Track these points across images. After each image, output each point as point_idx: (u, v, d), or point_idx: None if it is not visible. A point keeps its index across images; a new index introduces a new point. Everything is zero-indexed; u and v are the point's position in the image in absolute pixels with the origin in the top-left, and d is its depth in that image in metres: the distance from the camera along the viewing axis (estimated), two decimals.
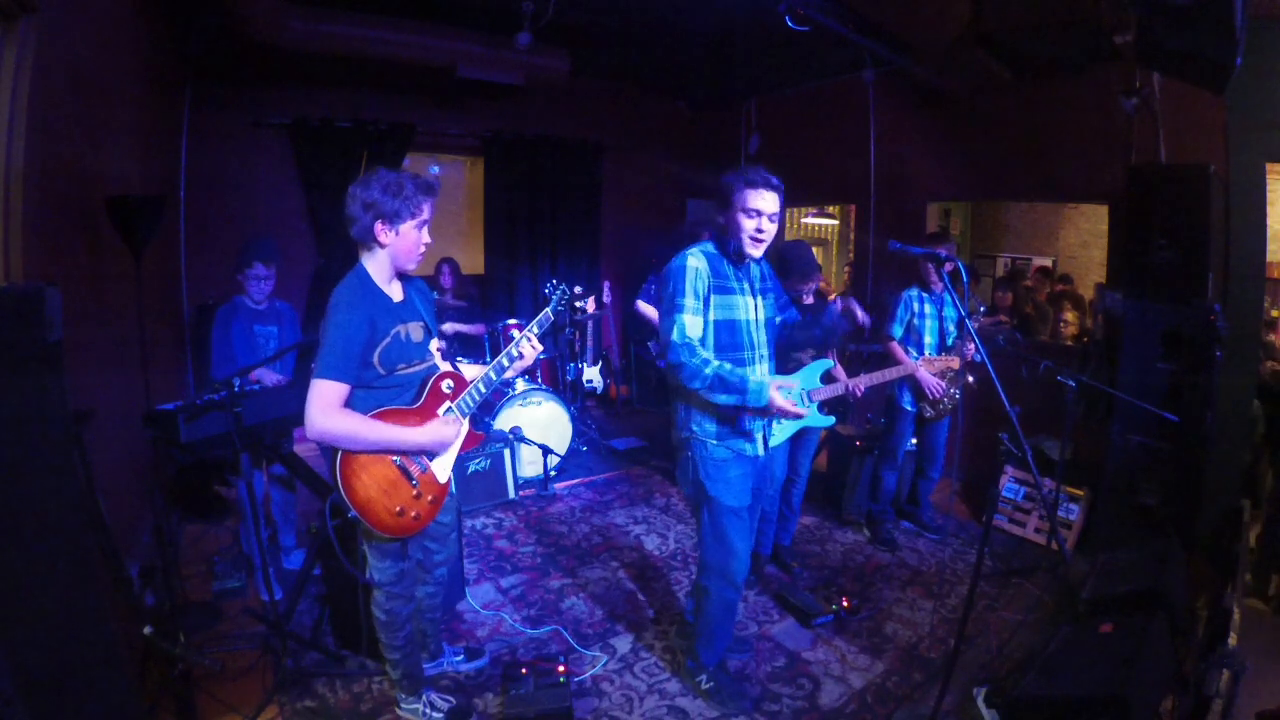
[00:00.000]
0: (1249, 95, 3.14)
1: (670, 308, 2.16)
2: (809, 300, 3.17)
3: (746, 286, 2.27)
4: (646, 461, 4.90)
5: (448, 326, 4.65)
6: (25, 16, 2.02)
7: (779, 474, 3.15)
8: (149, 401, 2.87)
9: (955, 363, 3.32)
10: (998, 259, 7.19)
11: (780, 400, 2.09)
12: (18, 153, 2.02)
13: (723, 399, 2.12)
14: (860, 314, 2.75)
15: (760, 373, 2.28)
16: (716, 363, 2.12)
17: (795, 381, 2.33)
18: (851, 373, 3.26)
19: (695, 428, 2.26)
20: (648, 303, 4.18)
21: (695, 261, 2.18)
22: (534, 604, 3.04)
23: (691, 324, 2.13)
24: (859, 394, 3.17)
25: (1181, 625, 2.40)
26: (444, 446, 2.04)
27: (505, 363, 2.11)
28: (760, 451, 2.33)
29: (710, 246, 2.26)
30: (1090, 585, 2.67)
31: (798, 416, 2.16)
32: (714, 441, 2.25)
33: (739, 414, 2.23)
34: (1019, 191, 4.91)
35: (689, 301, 2.14)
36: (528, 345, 2.12)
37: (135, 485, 3.16)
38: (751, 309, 2.28)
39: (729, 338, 2.23)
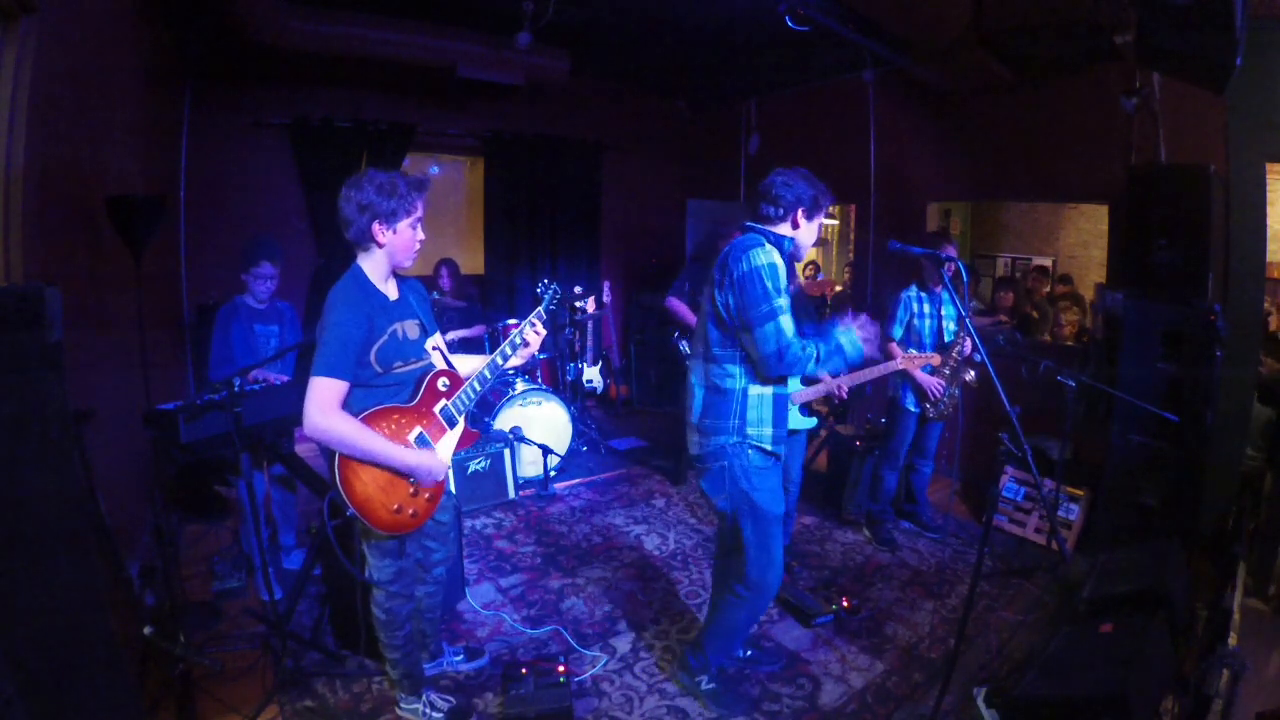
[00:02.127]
0: (1249, 95, 3.13)
1: (764, 314, 2.03)
2: None
3: (787, 289, 2.23)
4: (646, 461, 4.90)
5: (450, 336, 4.64)
6: (25, 16, 2.02)
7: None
8: (149, 401, 2.88)
9: (936, 359, 3.34)
10: (998, 259, 7.18)
11: (865, 340, 2.21)
12: (18, 153, 2.02)
13: (835, 363, 2.18)
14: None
15: (793, 381, 2.36)
16: (810, 348, 2.13)
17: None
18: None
19: (752, 431, 2.15)
20: (680, 300, 4.13)
21: (777, 258, 2.10)
22: (534, 604, 3.04)
23: (788, 324, 2.06)
24: (843, 394, 3.17)
25: (1181, 625, 2.40)
26: (429, 477, 2.00)
27: (508, 350, 2.13)
28: (783, 451, 2.31)
29: (768, 244, 2.17)
30: (1090, 585, 2.67)
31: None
32: (768, 446, 2.18)
33: (784, 413, 2.24)
34: (1019, 191, 4.91)
35: (782, 301, 2.06)
36: (531, 331, 2.14)
37: (135, 485, 3.16)
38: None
39: None
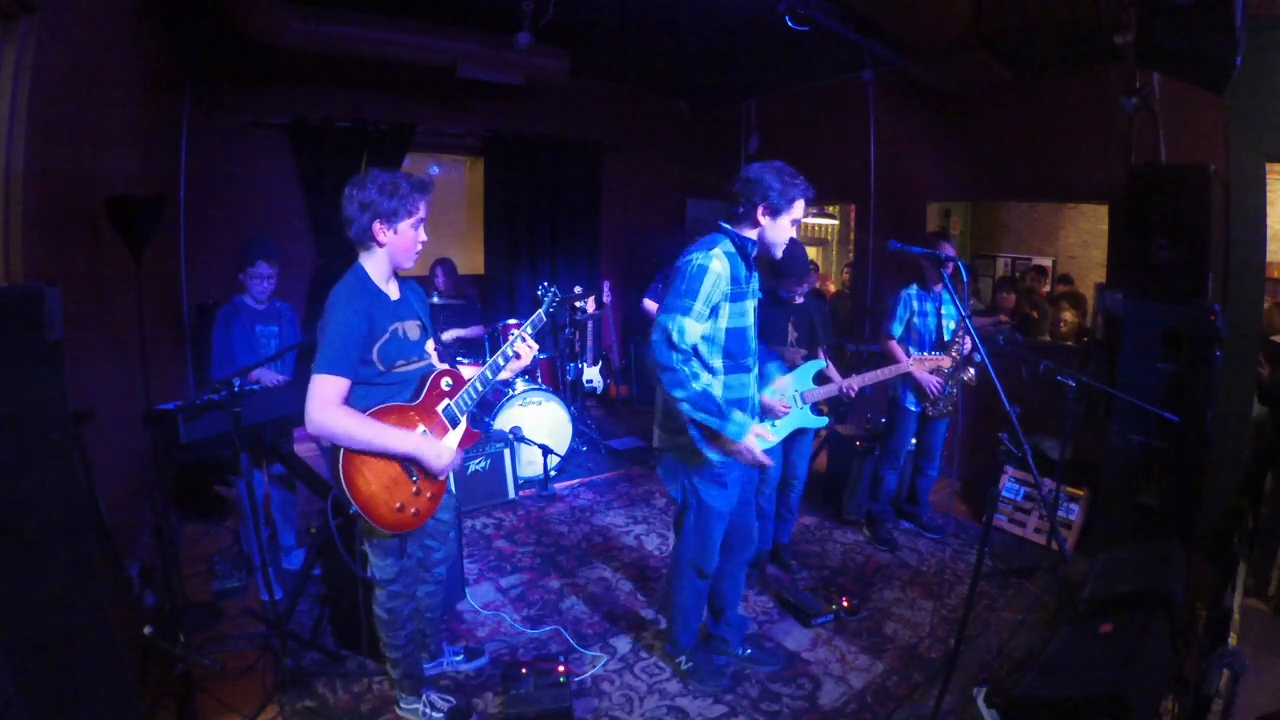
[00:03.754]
0: (1249, 95, 3.13)
1: (674, 306, 2.05)
2: (800, 300, 3.18)
3: (751, 290, 2.23)
4: (646, 461, 4.89)
5: (447, 335, 4.64)
6: (25, 16, 2.02)
7: (773, 474, 3.15)
8: (149, 401, 2.87)
9: (946, 361, 3.34)
10: (998, 259, 7.19)
11: (750, 448, 2.12)
12: (18, 153, 2.02)
13: (699, 417, 2.07)
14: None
15: (752, 381, 2.29)
16: (708, 378, 2.10)
17: (771, 435, 2.31)
18: (852, 372, 3.26)
19: (698, 432, 2.19)
20: (654, 300, 4.16)
21: (719, 266, 2.07)
22: (534, 604, 3.04)
23: (692, 330, 2.05)
24: (852, 394, 3.18)
25: (1181, 625, 2.40)
26: (436, 460, 1.98)
27: (500, 362, 2.14)
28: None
29: (729, 246, 2.14)
30: (1090, 585, 2.68)
31: (758, 465, 2.18)
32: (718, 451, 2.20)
33: (743, 411, 2.22)
34: (1019, 191, 4.91)
35: (698, 307, 2.05)
36: (523, 346, 2.15)
37: (135, 485, 3.16)
38: (752, 314, 2.25)
39: (738, 346, 2.19)
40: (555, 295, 2.35)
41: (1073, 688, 2.02)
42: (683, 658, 2.53)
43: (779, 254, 2.23)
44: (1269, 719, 1.94)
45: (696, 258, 2.09)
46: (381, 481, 1.93)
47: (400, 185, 1.89)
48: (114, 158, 3.09)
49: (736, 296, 2.14)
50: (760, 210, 2.12)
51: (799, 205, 2.16)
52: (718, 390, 2.18)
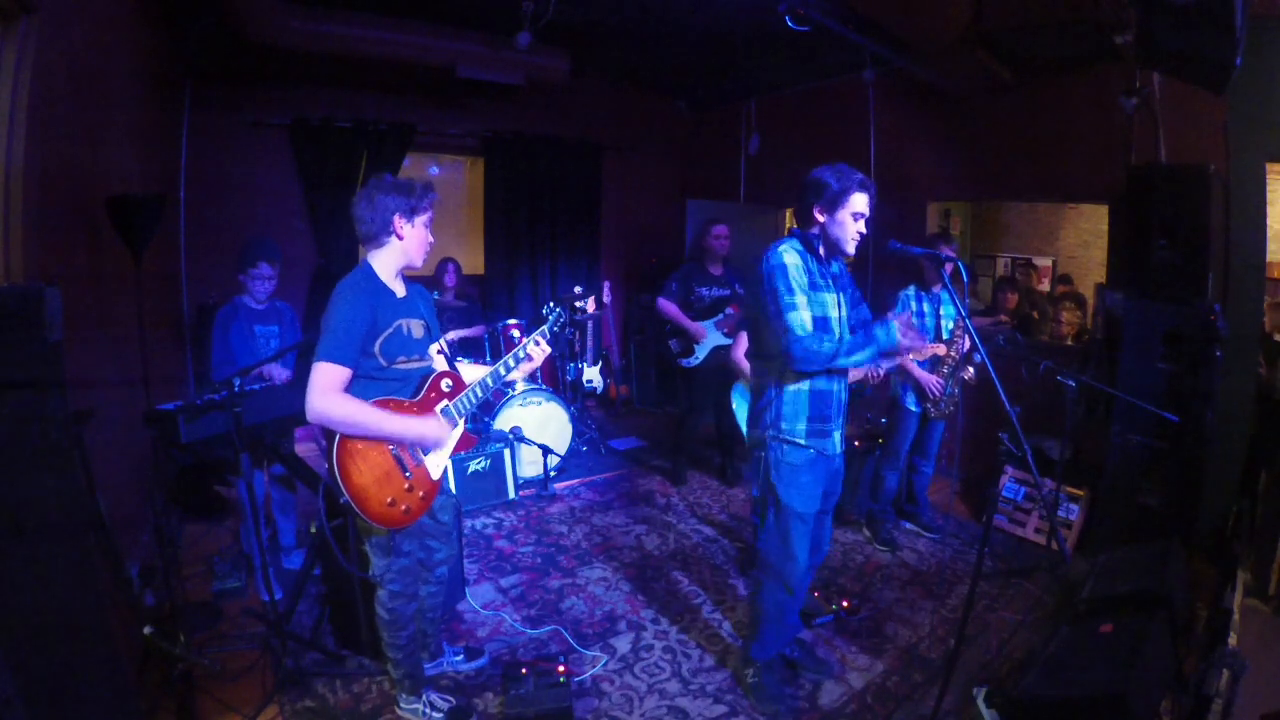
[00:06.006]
0: (1249, 95, 3.13)
1: (781, 307, 2.12)
2: None
3: (831, 283, 2.27)
4: (646, 461, 4.90)
5: (450, 335, 4.65)
6: (25, 16, 2.02)
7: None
8: (149, 401, 2.87)
9: (941, 349, 3.34)
10: (998, 259, 7.18)
11: (907, 336, 2.12)
12: (18, 153, 2.02)
13: (858, 356, 2.11)
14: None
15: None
16: (833, 342, 2.13)
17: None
18: None
19: (785, 425, 2.22)
20: (670, 301, 4.16)
21: (791, 258, 2.16)
22: (534, 604, 3.04)
23: (805, 316, 2.12)
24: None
25: (1181, 625, 2.40)
26: (435, 444, 2.07)
27: (511, 363, 2.17)
28: (838, 450, 2.32)
29: (797, 243, 2.23)
30: (1090, 585, 2.67)
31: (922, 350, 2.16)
32: (801, 441, 2.21)
33: (827, 409, 2.24)
34: (1019, 191, 4.91)
35: (797, 297, 2.12)
36: (535, 346, 2.18)
37: (135, 485, 3.16)
38: (837, 306, 2.27)
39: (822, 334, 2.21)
40: (560, 316, 2.34)
41: (1073, 688, 2.02)
42: (750, 670, 2.45)
43: (850, 249, 2.23)
44: (1269, 718, 1.94)
45: (770, 258, 2.17)
46: (375, 474, 1.95)
47: (415, 185, 2.00)
48: (114, 157, 3.09)
49: (814, 287, 2.19)
50: (817, 209, 2.20)
51: (857, 198, 2.17)
52: (805, 387, 2.22)
